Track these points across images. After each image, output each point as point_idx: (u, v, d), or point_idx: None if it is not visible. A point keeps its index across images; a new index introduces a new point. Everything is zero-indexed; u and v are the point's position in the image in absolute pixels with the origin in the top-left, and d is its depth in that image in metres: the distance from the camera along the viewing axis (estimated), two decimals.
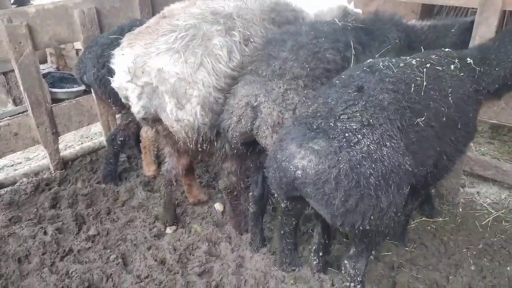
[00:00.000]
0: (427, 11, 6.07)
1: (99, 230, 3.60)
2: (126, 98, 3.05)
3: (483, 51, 2.80)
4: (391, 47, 3.05)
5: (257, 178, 3.21)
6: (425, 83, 2.36)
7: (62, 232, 3.58)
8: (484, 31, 3.20)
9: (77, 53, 7.03)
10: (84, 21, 4.14)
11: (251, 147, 2.94)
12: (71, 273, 3.13)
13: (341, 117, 2.13)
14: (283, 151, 2.18)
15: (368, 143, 2.05)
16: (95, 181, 4.29)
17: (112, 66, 3.04)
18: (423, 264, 3.20)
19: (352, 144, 2.04)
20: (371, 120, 2.11)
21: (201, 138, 2.97)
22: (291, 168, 2.12)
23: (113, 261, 3.27)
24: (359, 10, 4.15)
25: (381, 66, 2.40)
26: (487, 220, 3.61)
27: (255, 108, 2.65)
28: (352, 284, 2.57)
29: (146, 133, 4.10)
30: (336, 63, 2.80)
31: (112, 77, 3.06)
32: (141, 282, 3.07)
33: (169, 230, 3.62)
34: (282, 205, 2.49)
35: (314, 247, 3.01)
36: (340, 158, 2.01)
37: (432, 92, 2.38)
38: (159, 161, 4.34)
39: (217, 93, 2.85)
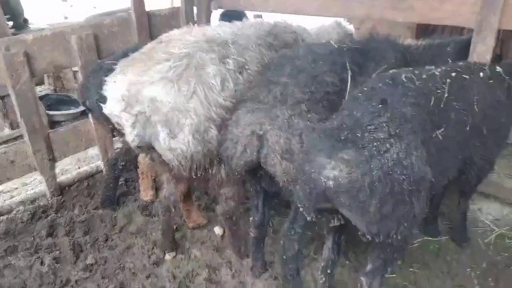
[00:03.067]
0: (423, 29, 6.11)
1: (97, 259, 3.54)
2: (119, 124, 3.03)
3: None
4: (388, 67, 3.05)
5: (257, 203, 3.16)
6: (446, 95, 2.41)
7: (59, 261, 3.52)
8: (481, 50, 3.21)
9: (74, 75, 7.04)
10: (82, 47, 4.13)
11: (253, 173, 2.92)
12: None
13: (368, 127, 2.15)
14: (311, 163, 2.16)
15: (397, 151, 2.07)
16: (92, 207, 4.24)
17: (104, 93, 3.02)
18: (427, 285, 3.15)
19: (382, 152, 2.06)
20: (397, 131, 2.13)
21: (195, 166, 2.93)
22: (321, 179, 2.10)
23: None
24: (351, 27, 4.16)
25: (403, 78, 2.44)
26: (489, 238, 3.56)
27: (261, 137, 2.63)
28: None
29: (144, 158, 4.07)
30: (335, 86, 2.80)
31: (104, 103, 3.04)
32: None
33: (168, 256, 3.56)
34: (308, 218, 2.45)
35: (322, 264, 2.92)
36: (372, 166, 2.02)
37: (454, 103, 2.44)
38: (156, 185, 4.32)
39: (208, 122, 2.84)
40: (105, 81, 3.09)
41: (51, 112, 6.06)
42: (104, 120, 3.84)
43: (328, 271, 2.94)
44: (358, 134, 2.14)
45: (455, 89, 2.51)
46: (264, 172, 2.75)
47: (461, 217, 3.44)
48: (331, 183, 2.08)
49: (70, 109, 6.27)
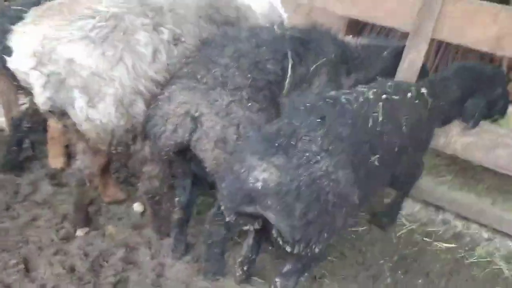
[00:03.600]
0: (353, 27, 6.25)
1: None
2: (25, 82, 2.63)
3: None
4: (327, 60, 3.07)
5: (184, 183, 2.99)
6: (380, 118, 2.51)
7: None
8: (413, 56, 3.32)
9: None
10: None
11: (181, 154, 2.73)
12: None
13: (303, 138, 2.17)
14: (242, 162, 2.14)
15: (327, 165, 2.11)
16: None
17: (10, 44, 2.59)
18: (342, 275, 3.26)
19: (312, 163, 2.09)
20: (330, 147, 2.17)
21: (115, 141, 2.69)
22: (250, 180, 2.09)
23: (13, 267, 2.84)
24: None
25: (343, 100, 2.50)
26: (401, 232, 3.79)
27: (196, 119, 2.46)
28: None
29: (55, 122, 3.63)
30: (276, 75, 2.75)
31: (9, 56, 2.61)
32: None
33: (79, 232, 3.24)
34: (227, 219, 2.36)
35: (239, 259, 2.91)
36: (300, 172, 2.06)
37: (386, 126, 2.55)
38: (68, 152, 3.92)
39: (134, 95, 2.59)
40: (11, 30, 2.66)
41: None
42: (7, 75, 3.38)
43: (245, 268, 2.93)
44: (292, 142, 2.17)
45: (386, 112, 2.62)
46: (194, 155, 2.60)
47: (395, 205, 3.70)
48: (259, 184, 2.10)
49: None
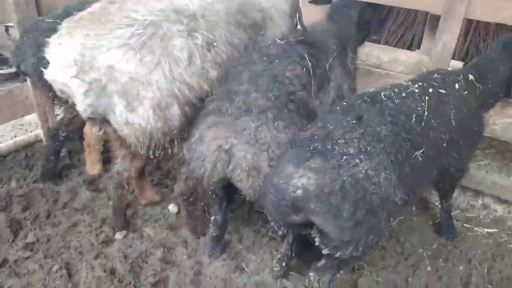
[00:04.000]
0: None
1: (38, 237, 3.24)
2: (62, 92, 2.72)
3: None
4: (336, 54, 3.08)
5: (220, 203, 3.01)
6: (426, 113, 2.41)
7: None
8: (447, 38, 3.23)
9: (6, 30, 6.33)
10: (19, 0, 3.65)
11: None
12: None
13: (339, 141, 2.11)
14: (279, 174, 2.13)
15: (366, 168, 2.05)
16: (31, 180, 3.87)
17: (47, 56, 2.68)
18: (382, 265, 3.21)
19: (351, 165, 2.03)
20: (368, 148, 2.10)
21: (153, 144, 2.74)
22: (290, 189, 2.06)
23: (56, 272, 2.94)
24: None
25: (382, 97, 2.42)
26: (439, 220, 3.69)
27: (228, 151, 2.50)
28: None
29: (91, 130, 3.74)
30: (299, 78, 2.74)
31: (45, 67, 2.70)
32: None
33: (118, 235, 3.33)
34: (279, 232, 2.42)
35: (279, 256, 2.90)
36: (341, 172, 2.00)
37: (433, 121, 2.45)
38: (104, 157, 4.03)
39: (170, 98, 2.64)
40: (46, 42, 2.75)
41: None
42: (43, 86, 3.50)
43: (283, 264, 2.91)
44: (328, 147, 2.12)
45: (433, 106, 2.50)
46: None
47: (446, 215, 3.50)
48: (299, 191, 2.06)
49: (2, 69, 5.66)
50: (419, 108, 2.42)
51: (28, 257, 3.07)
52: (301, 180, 2.03)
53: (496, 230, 3.65)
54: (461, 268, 3.23)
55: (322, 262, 2.50)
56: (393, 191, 2.15)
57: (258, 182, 2.46)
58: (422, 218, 3.76)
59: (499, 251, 3.42)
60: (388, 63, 3.97)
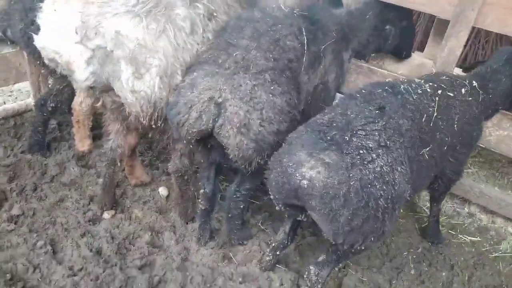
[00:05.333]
0: None
1: (23, 210, 3.17)
2: (52, 60, 2.64)
3: None
4: (335, 41, 3.04)
5: (208, 174, 2.98)
6: (435, 114, 2.40)
7: None
8: (453, 44, 3.22)
9: None
10: None
11: (202, 143, 2.71)
12: None
13: (359, 132, 2.07)
14: (290, 156, 2.08)
15: (382, 164, 2.01)
16: (19, 150, 3.79)
17: (38, 21, 2.59)
18: (367, 265, 3.25)
19: (366, 162, 1.99)
20: (388, 142, 2.07)
21: (156, 114, 2.71)
22: (297, 176, 2.02)
23: (41, 248, 2.89)
24: None
25: (402, 89, 2.37)
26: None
27: (220, 105, 2.42)
28: None
29: (80, 105, 3.65)
30: (295, 51, 2.70)
31: (37, 34, 2.61)
32: (75, 275, 2.74)
33: (106, 215, 3.29)
34: (276, 207, 2.38)
35: (273, 244, 2.90)
36: (351, 175, 1.95)
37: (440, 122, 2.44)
38: (93, 134, 3.95)
39: (175, 66, 2.62)
40: (38, 7, 2.64)
41: None
42: (30, 54, 3.40)
43: (277, 252, 2.92)
44: (346, 137, 2.06)
45: (442, 108, 2.50)
46: (216, 142, 2.57)
47: (434, 220, 3.54)
48: (305, 182, 2.03)
49: None
50: (430, 108, 2.41)
51: (12, 230, 3.01)
52: (310, 171, 2.00)
53: (479, 239, 3.72)
54: (443, 274, 3.29)
55: (322, 257, 2.52)
56: (406, 187, 2.15)
57: (245, 142, 2.42)
58: (409, 221, 3.81)
59: (480, 259, 3.49)
60: (391, 64, 3.96)
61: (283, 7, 2.91)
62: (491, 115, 3.19)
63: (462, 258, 3.47)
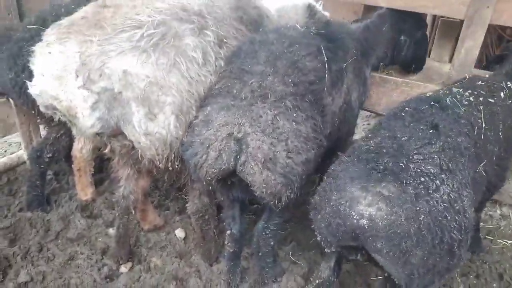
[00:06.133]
0: (368, 13, 6.02)
1: (31, 275, 2.86)
2: (49, 107, 2.40)
3: None
4: (355, 59, 2.92)
5: (233, 213, 2.73)
6: (484, 124, 2.19)
7: None
8: (470, 45, 3.09)
9: None
10: None
11: (222, 181, 2.44)
12: None
13: (415, 157, 1.81)
14: (340, 192, 1.81)
15: (449, 191, 1.76)
16: (16, 209, 3.49)
17: (32, 67, 2.35)
18: None
19: (431, 192, 1.72)
20: (450, 165, 1.83)
21: (173, 155, 2.48)
22: (353, 215, 1.75)
23: None
24: (326, 13, 3.85)
25: (449, 102, 2.15)
26: None
27: (240, 140, 2.18)
28: None
29: (81, 152, 3.40)
30: (316, 72, 2.49)
31: (30, 80, 2.37)
32: None
33: (124, 268, 3.00)
34: (326, 250, 2.11)
35: (317, 281, 2.55)
36: (418, 208, 1.69)
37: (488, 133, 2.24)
38: (95, 179, 3.68)
39: (190, 101, 2.41)
40: (29, 52, 2.41)
41: None
42: (25, 104, 3.16)
43: None
44: (401, 164, 1.82)
45: (487, 117, 2.29)
46: (238, 179, 2.31)
47: (475, 228, 3.27)
48: (365, 222, 1.77)
49: None
50: (478, 120, 2.21)
51: None
52: (369, 209, 1.75)
53: None
54: (494, 285, 3.07)
55: None
56: (471, 212, 1.90)
57: (272, 177, 2.18)
58: None
59: None
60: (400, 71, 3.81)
61: (298, 26, 2.74)
62: None
63: (507, 265, 3.26)
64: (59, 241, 3.23)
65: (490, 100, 2.38)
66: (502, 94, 2.50)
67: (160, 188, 3.90)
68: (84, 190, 3.63)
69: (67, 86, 2.26)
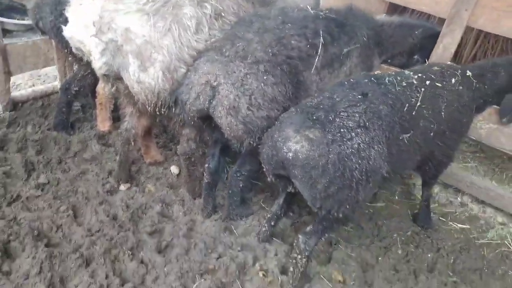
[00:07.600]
0: (393, 9, 6.28)
1: (49, 179, 3.56)
2: (78, 49, 3.01)
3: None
4: (360, 45, 3.21)
5: (214, 151, 3.31)
6: (418, 103, 2.67)
7: (10, 176, 3.50)
8: (448, 42, 3.45)
9: None
10: None
11: (207, 121, 3.02)
12: (20, 220, 3.10)
13: (341, 113, 2.36)
14: (280, 132, 2.41)
15: (360, 141, 2.31)
16: (46, 127, 4.18)
17: (67, 14, 2.95)
18: (357, 243, 3.51)
19: (345, 140, 2.29)
20: (367, 123, 2.36)
21: (160, 102, 3.02)
22: (284, 149, 2.35)
23: (63, 212, 3.26)
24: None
25: (386, 81, 2.66)
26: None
27: (214, 88, 2.73)
28: (299, 257, 2.81)
29: (103, 89, 4.01)
30: (300, 51, 2.90)
31: (65, 25, 2.97)
32: (92, 236, 3.10)
33: (122, 187, 3.65)
34: (267, 179, 2.72)
35: (268, 215, 3.21)
36: (330, 149, 2.26)
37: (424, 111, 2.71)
38: (114, 115, 4.31)
39: (178, 62, 2.90)
40: (67, 1, 3.00)
41: (2, 19, 5.64)
42: (59, 43, 3.75)
43: (272, 223, 3.23)
44: (330, 118, 2.37)
45: (427, 98, 2.76)
46: (216, 122, 2.88)
47: (425, 204, 3.78)
48: (290, 155, 2.35)
49: (24, 19, 5.86)
50: (413, 99, 2.68)
51: (38, 196, 3.39)
52: (295, 145, 2.32)
53: (468, 227, 3.93)
54: (429, 255, 3.52)
55: (309, 227, 2.81)
56: (382, 164, 2.43)
57: (234, 123, 2.73)
58: (402, 207, 4.05)
59: (467, 245, 3.69)
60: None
61: (308, 7, 3.11)
62: (482, 106, 3.32)
63: (449, 243, 3.69)
64: (76, 158, 3.91)
65: (438, 84, 2.84)
66: (453, 80, 2.93)
67: (168, 132, 4.51)
68: (103, 123, 4.27)
69: (90, 33, 2.84)
